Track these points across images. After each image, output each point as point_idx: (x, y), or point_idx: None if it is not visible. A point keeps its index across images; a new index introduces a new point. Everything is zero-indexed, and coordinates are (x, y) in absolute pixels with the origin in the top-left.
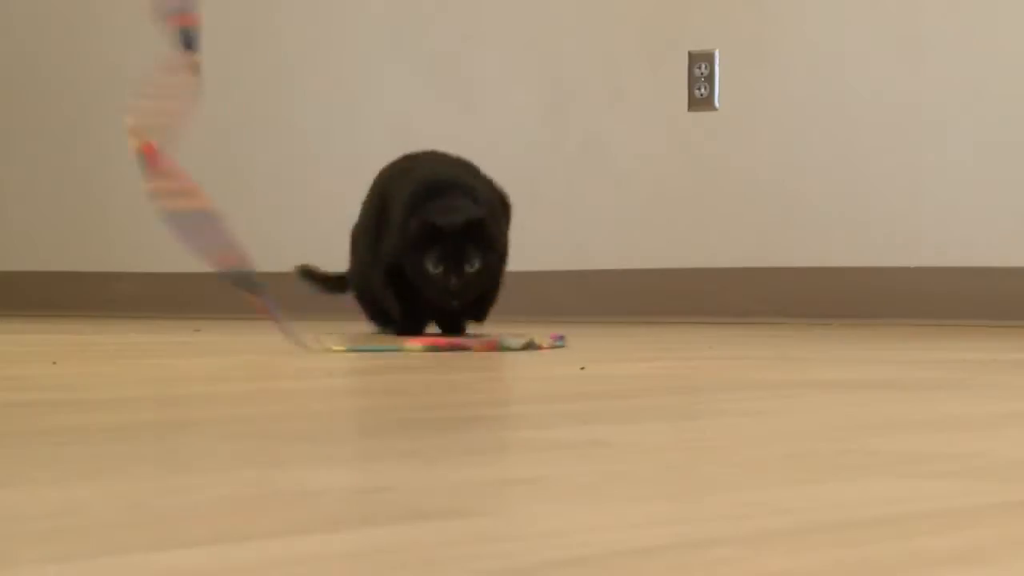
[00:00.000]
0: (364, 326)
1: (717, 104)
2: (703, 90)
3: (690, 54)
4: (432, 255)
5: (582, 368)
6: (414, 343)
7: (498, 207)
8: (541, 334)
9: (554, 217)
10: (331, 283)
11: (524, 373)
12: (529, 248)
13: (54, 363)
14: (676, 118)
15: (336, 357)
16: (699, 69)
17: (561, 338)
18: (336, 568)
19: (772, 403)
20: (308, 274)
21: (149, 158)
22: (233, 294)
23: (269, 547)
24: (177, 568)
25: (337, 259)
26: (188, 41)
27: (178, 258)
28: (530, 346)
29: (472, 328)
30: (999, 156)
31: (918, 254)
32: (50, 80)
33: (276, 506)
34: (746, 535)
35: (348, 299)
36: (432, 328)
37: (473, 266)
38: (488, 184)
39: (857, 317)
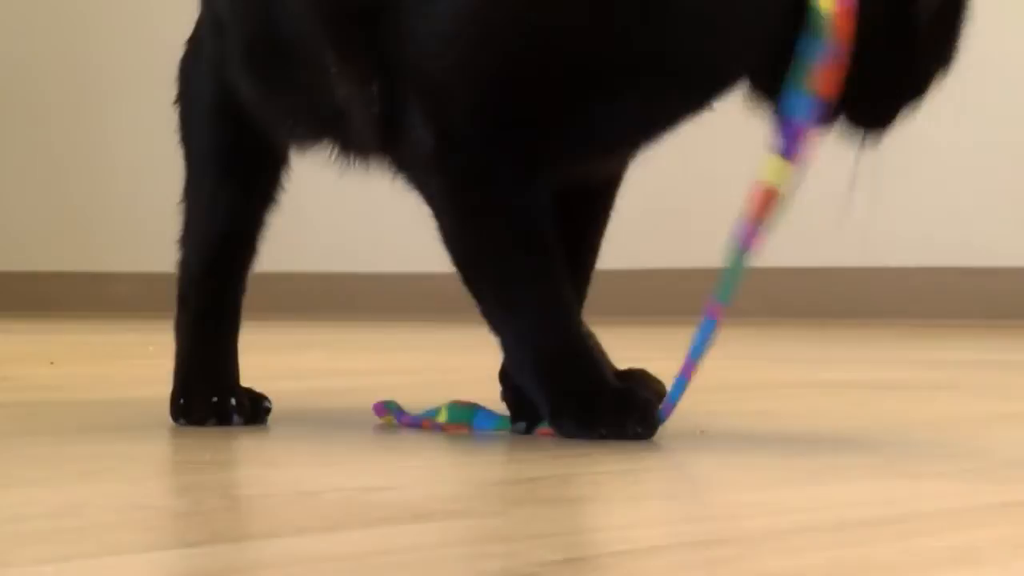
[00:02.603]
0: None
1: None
2: None
3: None
4: None
5: None
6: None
7: None
8: None
9: None
10: None
11: None
12: None
13: (52, 363)
14: None
15: (336, 357)
16: None
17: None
18: (336, 568)
19: (772, 403)
20: None
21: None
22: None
23: (269, 547)
24: (177, 568)
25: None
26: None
27: (174, 258)
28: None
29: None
30: (998, 156)
31: (918, 254)
32: (46, 81)
33: (275, 506)
34: (746, 535)
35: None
36: None
37: None
38: None
39: (857, 317)
